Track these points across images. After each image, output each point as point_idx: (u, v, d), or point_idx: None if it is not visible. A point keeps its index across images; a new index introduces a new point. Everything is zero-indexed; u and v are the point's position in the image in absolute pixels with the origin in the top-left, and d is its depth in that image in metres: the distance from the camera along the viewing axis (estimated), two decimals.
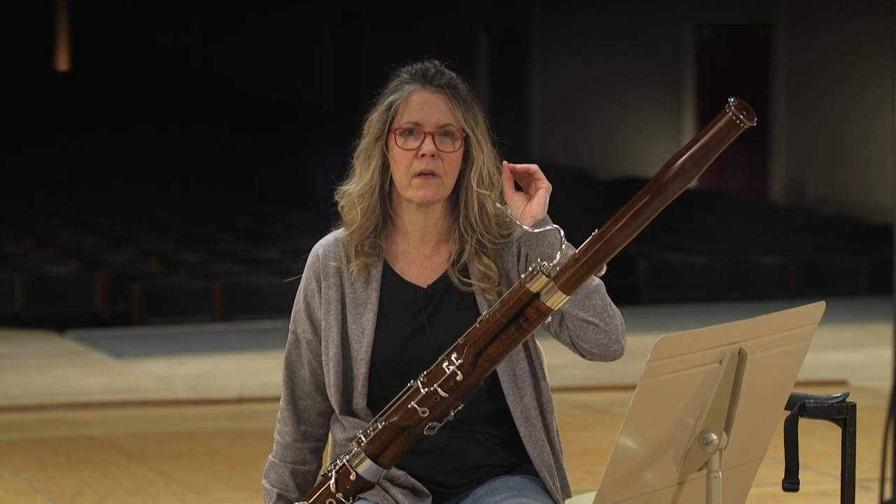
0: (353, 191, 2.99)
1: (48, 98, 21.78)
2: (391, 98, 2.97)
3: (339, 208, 3.02)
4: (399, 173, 2.95)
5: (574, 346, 2.95)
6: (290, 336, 3.07)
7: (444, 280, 3.00)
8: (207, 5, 24.49)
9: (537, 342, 3.05)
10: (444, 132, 2.95)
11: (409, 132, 2.94)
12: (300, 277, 3.08)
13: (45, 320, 12.48)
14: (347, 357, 2.99)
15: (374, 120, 2.98)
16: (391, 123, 2.96)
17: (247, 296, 12.71)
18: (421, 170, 2.92)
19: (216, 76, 24.79)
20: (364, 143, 2.99)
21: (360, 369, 2.96)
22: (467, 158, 2.98)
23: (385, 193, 3.00)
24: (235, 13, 24.36)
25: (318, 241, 3.08)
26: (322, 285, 3.02)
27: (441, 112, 2.95)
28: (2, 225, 15.13)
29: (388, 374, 2.96)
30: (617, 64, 18.85)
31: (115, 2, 24.55)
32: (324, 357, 3.01)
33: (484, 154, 2.98)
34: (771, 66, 17.24)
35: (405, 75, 3.00)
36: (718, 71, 17.87)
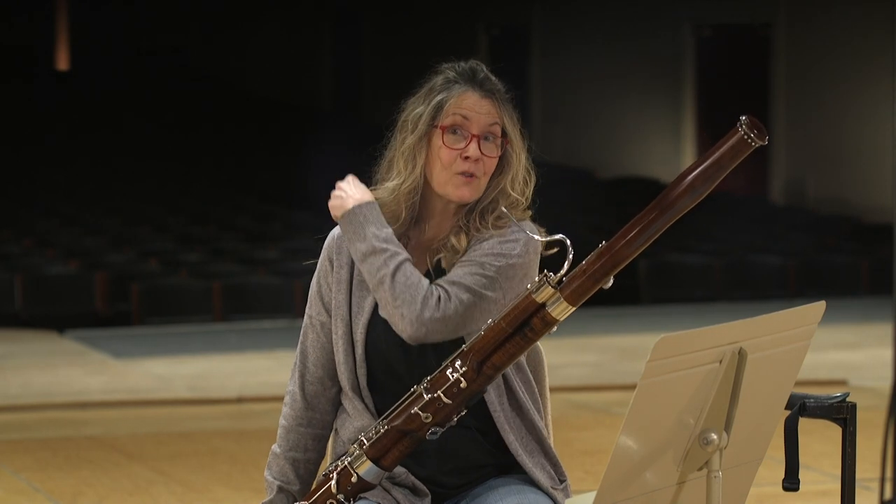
0: (401, 187, 3.00)
1: (48, 98, 21.78)
2: (441, 97, 2.98)
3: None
4: (438, 170, 2.97)
5: None
6: (305, 320, 3.09)
7: (437, 265, 3.02)
8: (207, 5, 24.48)
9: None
10: (488, 136, 2.98)
11: (454, 131, 2.97)
12: (317, 261, 3.11)
13: (45, 320, 12.48)
14: (351, 338, 3.02)
15: (422, 116, 2.99)
16: (437, 121, 2.98)
17: (247, 296, 12.71)
18: (463, 170, 2.95)
19: (216, 76, 24.79)
20: (412, 139, 2.99)
21: (358, 350, 3.00)
22: (502, 160, 3.01)
23: None
24: (235, 13, 24.35)
25: (317, 240, 3.10)
26: (335, 265, 3.04)
27: (489, 116, 2.98)
28: (2, 225, 15.13)
29: (380, 358, 2.98)
30: (617, 64, 18.85)
31: (115, 2, 24.55)
32: (333, 336, 3.04)
33: (521, 160, 3.02)
34: (771, 66, 17.24)
35: (452, 73, 3.02)
36: (718, 71, 17.87)
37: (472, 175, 2.96)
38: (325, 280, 3.06)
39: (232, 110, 22.40)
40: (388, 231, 2.95)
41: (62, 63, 25.07)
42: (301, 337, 3.09)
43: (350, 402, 3.02)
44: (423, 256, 3.03)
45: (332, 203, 3.00)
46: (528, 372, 3.05)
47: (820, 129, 16.84)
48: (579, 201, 16.47)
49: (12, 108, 20.89)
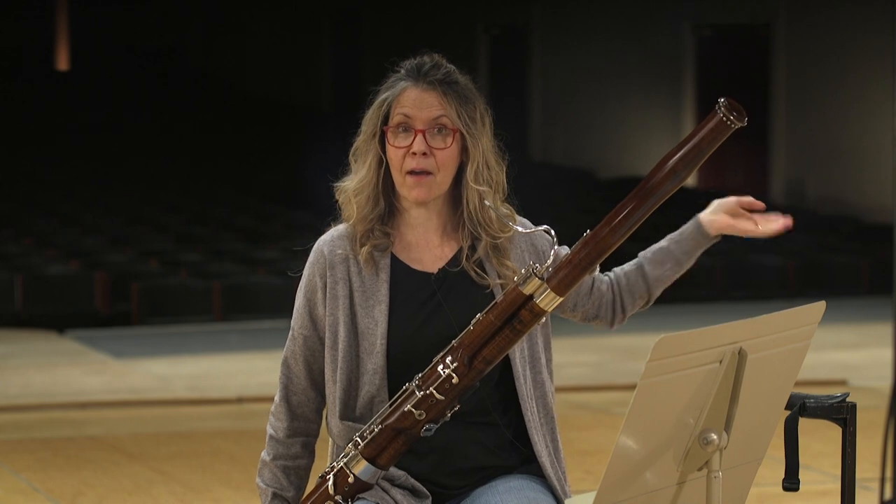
0: (350, 187, 3.00)
1: (48, 98, 21.78)
2: (384, 95, 2.98)
3: (339, 205, 3.04)
4: (394, 171, 2.96)
5: (613, 308, 3.10)
6: (289, 332, 3.08)
7: (453, 264, 3.00)
8: (207, 5, 24.49)
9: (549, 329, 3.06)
10: (436, 129, 2.94)
11: (401, 129, 2.95)
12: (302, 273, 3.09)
13: (45, 320, 12.48)
14: (356, 352, 2.99)
15: (368, 117, 2.99)
16: (384, 121, 2.97)
17: (247, 296, 12.71)
18: (412, 168, 2.93)
19: (216, 76, 24.79)
20: (359, 141, 3.00)
21: (378, 361, 2.95)
22: (465, 153, 2.98)
23: (388, 187, 3.01)
24: (235, 13, 24.36)
25: (317, 239, 3.08)
26: (328, 281, 3.01)
27: (432, 109, 2.94)
28: (2, 225, 15.13)
29: (406, 363, 2.94)
30: (617, 64, 18.85)
31: (114, 2, 24.55)
32: (329, 353, 3.00)
33: (481, 149, 2.97)
34: (771, 66, 17.24)
35: (401, 71, 3.00)
36: (718, 71, 17.87)
37: (425, 173, 2.94)
38: (313, 296, 3.03)
39: (232, 110, 22.40)
40: None
41: (62, 63, 25.06)
42: (285, 348, 3.08)
43: (341, 426, 2.99)
44: (438, 262, 3.01)
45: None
46: (552, 371, 3.06)
47: (820, 129, 16.84)
48: (579, 201, 16.47)
49: (12, 108, 20.89)
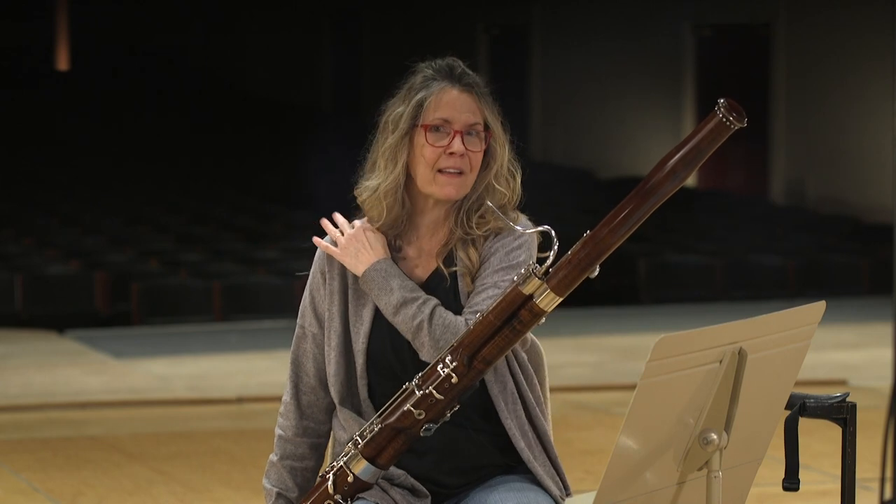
0: (380, 186, 3.00)
1: (48, 98, 21.78)
2: (421, 95, 2.98)
3: (359, 203, 3.04)
4: (423, 168, 2.97)
5: None
6: (297, 330, 3.10)
7: (439, 272, 3.02)
8: (207, 5, 24.49)
9: (533, 338, 3.07)
10: (471, 131, 2.98)
11: (437, 129, 2.96)
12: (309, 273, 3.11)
13: (45, 320, 12.47)
14: (349, 348, 3.02)
15: (402, 115, 2.99)
16: (418, 120, 2.97)
17: (247, 296, 12.71)
18: (448, 166, 2.95)
19: (216, 76, 24.79)
20: (393, 139, 2.99)
21: (359, 360, 2.99)
22: (487, 155, 3.01)
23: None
24: (235, 13, 24.36)
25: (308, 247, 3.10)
26: (327, 276, 3.04)
27: (470, 111, 2.98)
28: (2, 225, 15.13)
29: (385, 366, 2.98)
30: (617, 64, 18.85)
31: (115, 2, 24.55)
32: (326, 347, 3.03)
33: (504, 151, 3.02)
34: (771, 66, 17.24)
35: (429, 71, 3.01)
36: (718, 71, 17.86)
37: (458, 172, 2.96)
38: (317, 292, 3.06)
39: (232, 110, 22.40)
40: (411, 282, 2.96)
41: (62, 63, 25.06)
42: (293, 347, 3.09)
43: (342, 413, 3.02)
44: (426, 263, 3.03)
45: (346, 261, 2.99)
46: (534, 375, 3.05)
47: (820, 128, 16.84)
48: (579, 201, 16.46)
49: (12, 109, 20.89)
